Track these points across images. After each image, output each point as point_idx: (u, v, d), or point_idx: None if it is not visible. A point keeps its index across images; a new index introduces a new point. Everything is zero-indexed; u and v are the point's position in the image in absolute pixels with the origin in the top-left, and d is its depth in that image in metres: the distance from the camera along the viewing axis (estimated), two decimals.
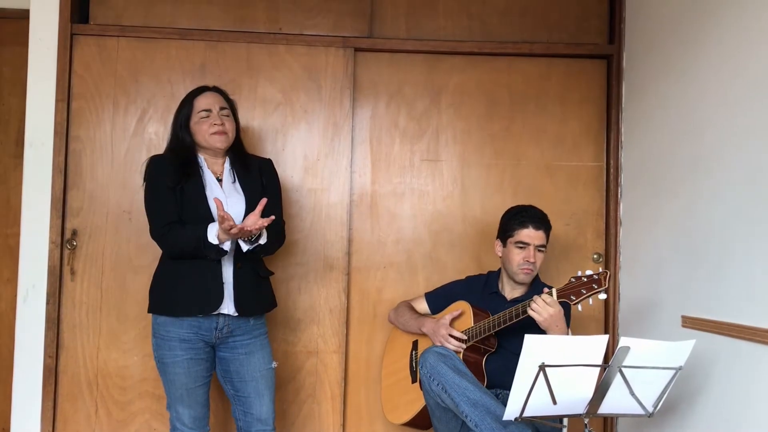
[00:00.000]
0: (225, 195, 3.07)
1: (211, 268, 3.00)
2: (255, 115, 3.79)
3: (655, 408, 2.58)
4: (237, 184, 3.14)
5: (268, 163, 3.32)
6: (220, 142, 3.10)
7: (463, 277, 3.57)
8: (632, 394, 2.50)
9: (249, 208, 3.06)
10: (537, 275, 3.31)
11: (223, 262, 3.03)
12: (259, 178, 3.20)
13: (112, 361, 3.70)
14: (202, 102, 3.11)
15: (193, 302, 3.00)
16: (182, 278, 3.01)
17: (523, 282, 3.27)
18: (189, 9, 3.79)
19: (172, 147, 3.17)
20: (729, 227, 2.74)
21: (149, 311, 3.10)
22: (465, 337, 3.19)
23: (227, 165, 3.17)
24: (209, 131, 3.08)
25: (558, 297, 2.96)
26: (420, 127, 3.90)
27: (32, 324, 3.64)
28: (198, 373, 3.06)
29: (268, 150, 3.76)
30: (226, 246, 2.94)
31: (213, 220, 2.96)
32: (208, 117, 3.09)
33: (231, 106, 3.21)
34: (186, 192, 3.02)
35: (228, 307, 3.03)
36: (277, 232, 3.17)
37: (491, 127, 3.90)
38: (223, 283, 3.02)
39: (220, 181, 3.12)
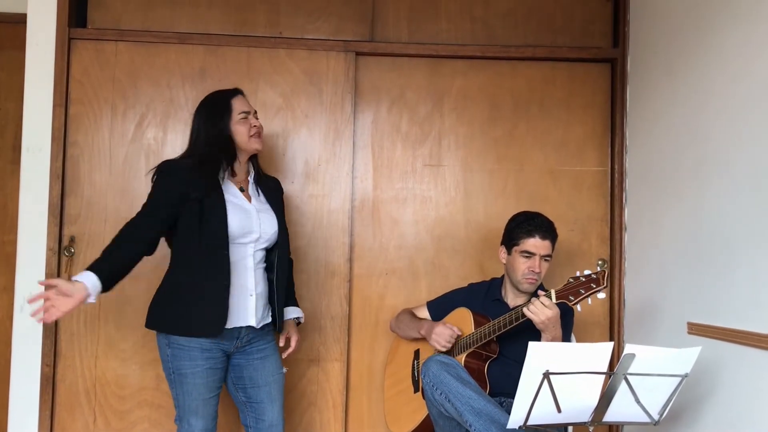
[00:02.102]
0: (257, 210, 3.07)
1: (236, 286, 2.98)
2: None
3: (661, 416, 2.55)
4: (263, 197, 3.15)
5: (278, 183, 3.33)
6: (258, 143, 3.11)
7: (466, 283, 3.55)
8: (638, 401, 2.47)
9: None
10: (541, 283, 3.27)
11: (248, 276, 3.02)
12: (275, 196, 3.22)
13: (110, 370, 3.67)
14: (240, 104, 3.10)
15: (206, 323, 2.93)
16: (198, 297, 2.94)
17: (527, 291, 3.24)
18: (188, 13, 3.77)
19: (201, 151, 3.02)
20: (735, 232, 2.71)
21: (159, 330, 3.01)
22: (460, 332, 3.18)
23: (251, 179, 3.15)
24: (249, 133, 3.07)
25: (557, 298, 2.92)
26: (422, 132, 3.86)
27: (29, 332, 3.60)
28: (215, 383, 3.02)
29: (269, 155, 3.73)
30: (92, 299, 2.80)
31: (227, 243, 2.93)
32: (246, 118, 3.08)
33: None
34: (205, 209, 2.93)
35: (252, 319, 3.01)
36: (287, 254, 3.21)
37: (494, 131, 3.86)
38: (249, 296, 3.03)
39: (242, 190, 3.09)
